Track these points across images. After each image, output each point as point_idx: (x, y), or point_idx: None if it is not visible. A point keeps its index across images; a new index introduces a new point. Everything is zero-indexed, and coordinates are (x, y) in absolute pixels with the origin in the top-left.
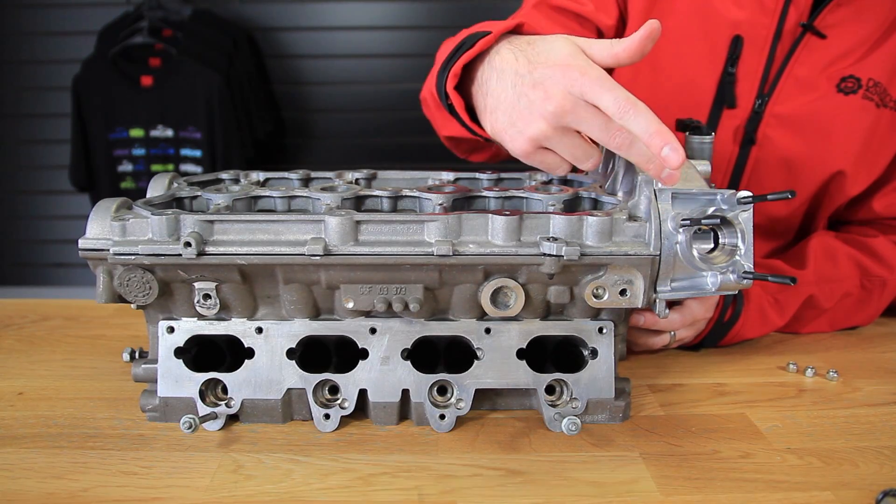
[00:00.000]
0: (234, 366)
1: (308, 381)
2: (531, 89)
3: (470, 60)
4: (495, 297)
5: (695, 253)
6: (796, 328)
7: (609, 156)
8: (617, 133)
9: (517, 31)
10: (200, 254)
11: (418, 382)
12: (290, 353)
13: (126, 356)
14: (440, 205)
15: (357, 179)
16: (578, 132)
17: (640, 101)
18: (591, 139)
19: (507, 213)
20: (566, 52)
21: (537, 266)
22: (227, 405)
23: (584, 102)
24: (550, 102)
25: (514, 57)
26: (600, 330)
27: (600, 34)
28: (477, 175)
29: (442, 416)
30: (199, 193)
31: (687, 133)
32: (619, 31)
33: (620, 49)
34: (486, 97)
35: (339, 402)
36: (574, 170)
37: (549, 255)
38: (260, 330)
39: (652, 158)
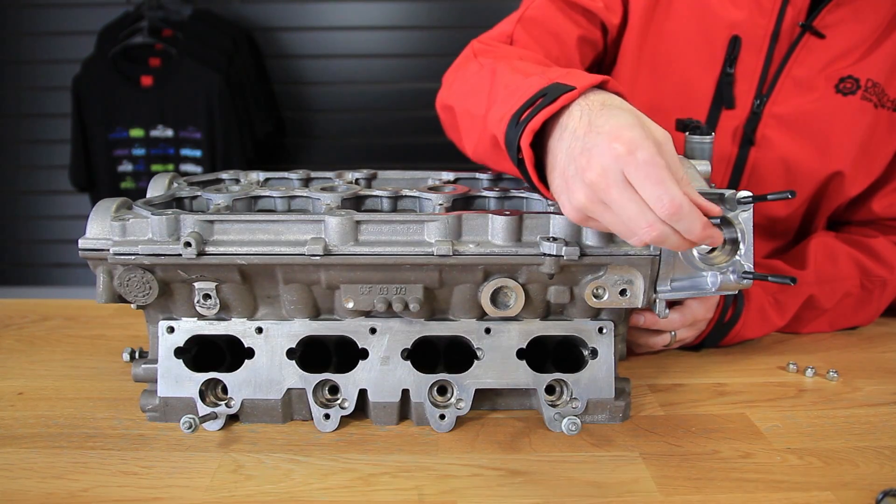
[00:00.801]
0: (234, 366)
1: (308, 381)
2: (579, 155)
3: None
4: (495, 297)
5: (695, 253)
6: (796, 328)
7: None
8: (651, 228)
9: (602, 86)
10: (200, 254)
11: (418, 382)
12: (290, 353)
13: (126, 356)
14: (440, 205)
15: (357, 179)
16: None
17: (685, 199)
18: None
19: (507, 213)
20: (625, 121)
21: (537, 266)
22: (227, 405)
23: (623, 183)
24: (588, 173)
25: (580, 116)
26: (600, 330)
27: (605, 32)
28: (477, 175)
29: (442, 416)
30: (199, 193)
31: (687, 133)
32: (621, 29)
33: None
34: (549, 154)
35: (339, 402)
36: None
37: (549, 255)
38: (260, 330)
39: (692, 231)
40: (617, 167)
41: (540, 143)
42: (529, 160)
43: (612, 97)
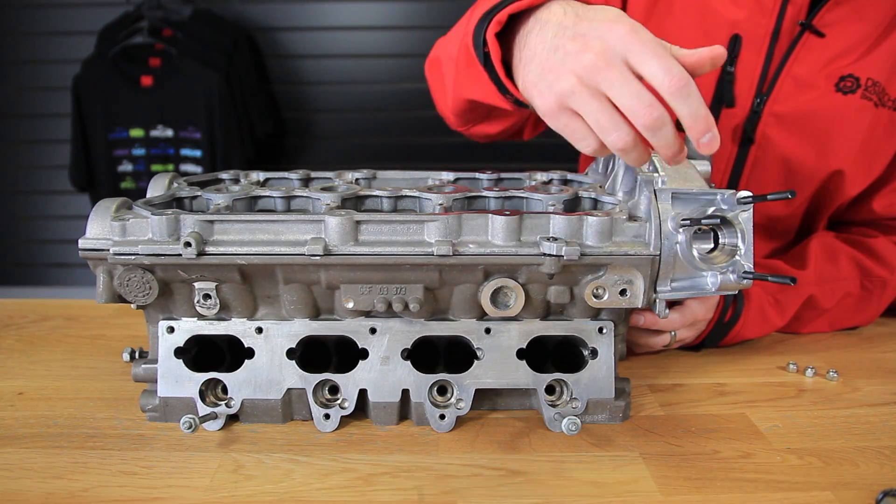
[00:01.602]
0: (234, 366)
1: (308, 381)
2: (570, 41)
3: (517, 13)
4: (495, 297)
5: (695, 253)
6: (796, 328)
7: (609, 156)
8: (650, 108)
9: None
10: (200, 254)
11: (418, 382)
12: (290, 353)
13: (126, 356)
14: (440, 205)
15: (357, 179)
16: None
17: (692, 79)
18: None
19: (507, 213)
20: (616, 12)
21: (537, 266)
22: (227, 405)
23: (622, 63)
24: (586, 54)
25: (563, 11)
26: (600, 330)
27: None
28: (477, 175)
29: (442, 416)
30: (199, 193)
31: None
32: None
33: (682, 53)
34: (524, 49)
35: (339, 402)
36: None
37: (549, 255)
38: (260, 330)
39: (672, 144)
40: (620, 47)
41: (510, 51)
42: (496, 54)
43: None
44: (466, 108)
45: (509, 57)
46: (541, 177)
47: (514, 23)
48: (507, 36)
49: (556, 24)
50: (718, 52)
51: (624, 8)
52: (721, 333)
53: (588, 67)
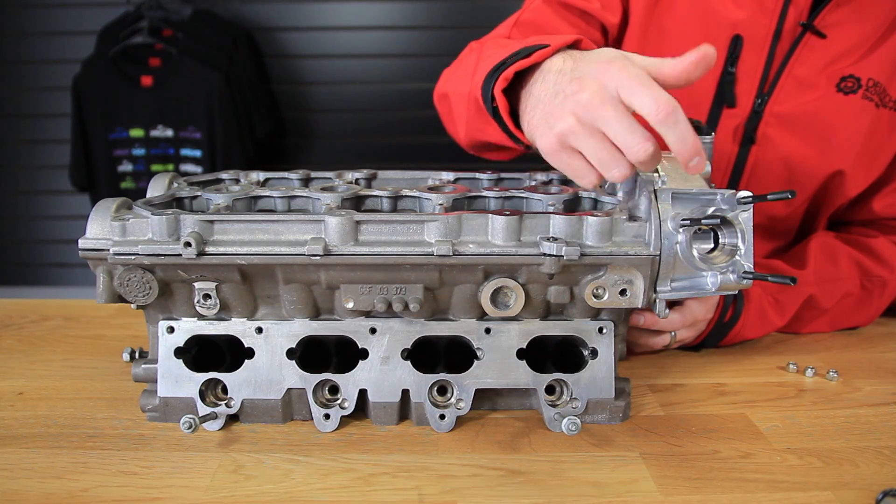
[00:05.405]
0: (234, 366)
1: (308, 381)
2: (569, 83)
3: (522, 70)
4: (495, 297)
5: (695, 253)
6: (796, 328)
7: None
8: (644, 144)
9: (575, 46)
10: (200, 254)
11: (418, 382)
12: (290, 353)
13: (126, 356)
14: (440, 205)
15: (357, 179)
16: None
17: (679, 106)
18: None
19: (507, 213)
20: (612, 54)
21: (537, 266)
22: (227, 405)
23: (616, 100)
24: (582, 94)
25: (563, 59)
26: (600, 330)
27: (605, 32)
28: (477, 175)
29: (442, 416)
30: (199, 193)
31: None
32: (622, 29)
33: (668, 68)
34: (528, 98)
35: (339, 402)
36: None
37: (549, 255)
38: (260, 330)
39: (657, 163)
40: (612, 86)
41: (516, 98)
42: (503, 107)
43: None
44: (480, 144)
45: (516, 104)
46: (541, 177)
47: (520, 74)
48: (514, 85)
49: (557, 72)
50: (705, 51)
51: (625, 9)
52: (721, 333)
53: (585, 106)
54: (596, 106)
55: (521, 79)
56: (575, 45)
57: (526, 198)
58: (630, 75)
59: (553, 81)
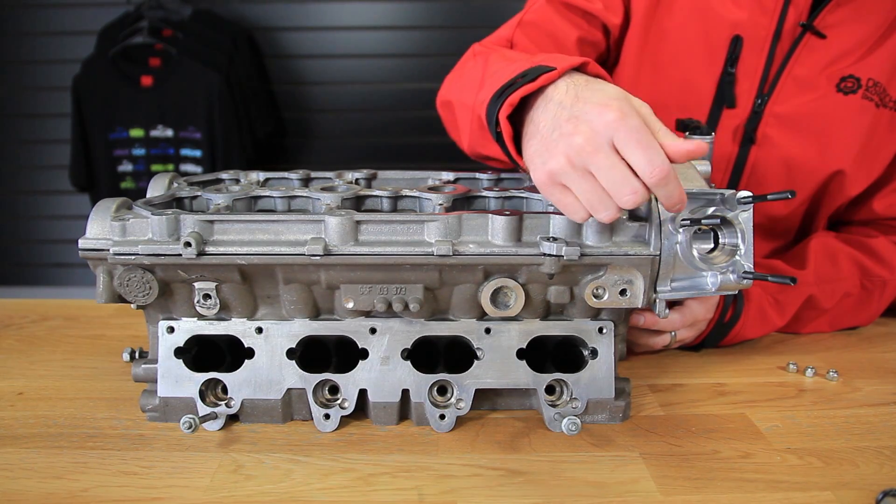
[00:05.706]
0: (234, 366)
1: (308, 381)
2: (566, 122)
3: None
4: (495, 297)
5: (695, 253)
6: (796, 328)
7: None
8: (634, 195)
9: (582, 69)
10: (200, 254)
11: (418, 382)
12: (290, 353)
13: (126, 356)
14: (440, 205)
15: (357, 179)
16: None
17: (671, 167)
18: None
19: (507, 213)
20: (613, 93)
21: (537, 266)
22: (227, 405)
23: (609, 149)
24: (575, 137)
25: (566, 89)
26: (600, 330)
27: (607, 33)
28: (477, 175)
29: (442, 416)
30: (199, 193)
31: (687, 133)
32: (624, 29)
33: (667, 139)
34: (530, 124)
35: (339, 402)
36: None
37: (549, 255)
38: (260, 330)
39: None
40: (607, 133)
41: (520, 120)
42: (507, 133)
43: (595, 78)
44: (482, 156)
45: (520, 125)
46: None
47: (527, 97)
48: (519, 107)
49: (557, 104)
50: (700, 147)
51: (626, 9)
52: (721, 333)
53: (577, 150)
54: (589, 153)
55: (525, 101)
56: (581, 68)
57: (526, 198)
58: (629, 128)
59: (552, 114)
